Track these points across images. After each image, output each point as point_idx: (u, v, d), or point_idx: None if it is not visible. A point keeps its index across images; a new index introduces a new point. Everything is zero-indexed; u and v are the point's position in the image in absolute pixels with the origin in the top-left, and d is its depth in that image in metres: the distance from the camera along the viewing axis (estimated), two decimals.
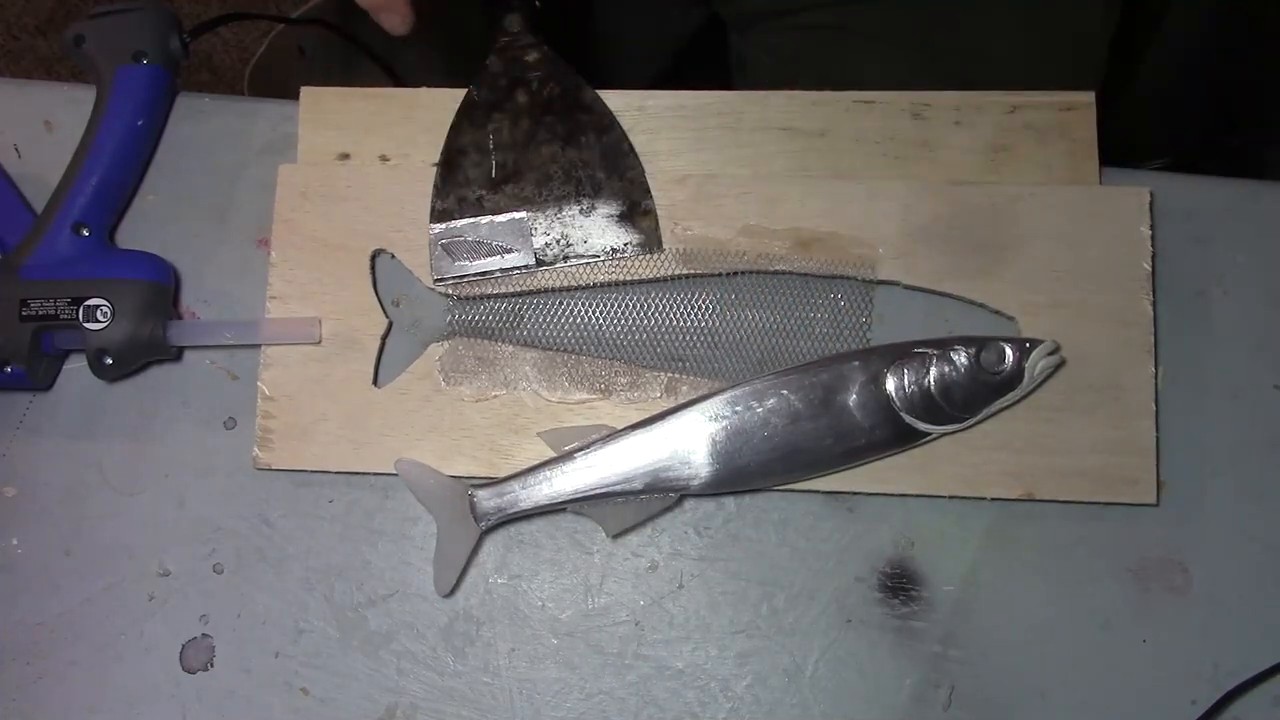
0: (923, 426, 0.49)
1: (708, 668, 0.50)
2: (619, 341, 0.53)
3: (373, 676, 0.51)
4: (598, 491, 0.49)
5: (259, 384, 0.53)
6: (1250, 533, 0.50)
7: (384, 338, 0.53)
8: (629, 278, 0.53)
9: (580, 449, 0.50)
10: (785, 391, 0.49)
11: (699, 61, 0.82)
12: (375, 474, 0.52)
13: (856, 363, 0.49)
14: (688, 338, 0.53)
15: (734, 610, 0.51)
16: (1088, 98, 0.53)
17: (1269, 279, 0.52)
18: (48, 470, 0.54)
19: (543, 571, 0.52)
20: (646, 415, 0.51)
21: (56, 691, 0.52)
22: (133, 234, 0.56)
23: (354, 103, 0.55)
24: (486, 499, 0.50)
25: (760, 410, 0.49)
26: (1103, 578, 0.50)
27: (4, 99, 0.57)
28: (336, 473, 0.52)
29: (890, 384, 0.49)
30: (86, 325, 0.51)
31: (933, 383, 0.48)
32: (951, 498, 0.50)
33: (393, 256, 0.54)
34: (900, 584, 0.51)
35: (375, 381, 0.53)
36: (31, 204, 0.56)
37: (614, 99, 0.54)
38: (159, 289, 0.53)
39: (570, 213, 0.53)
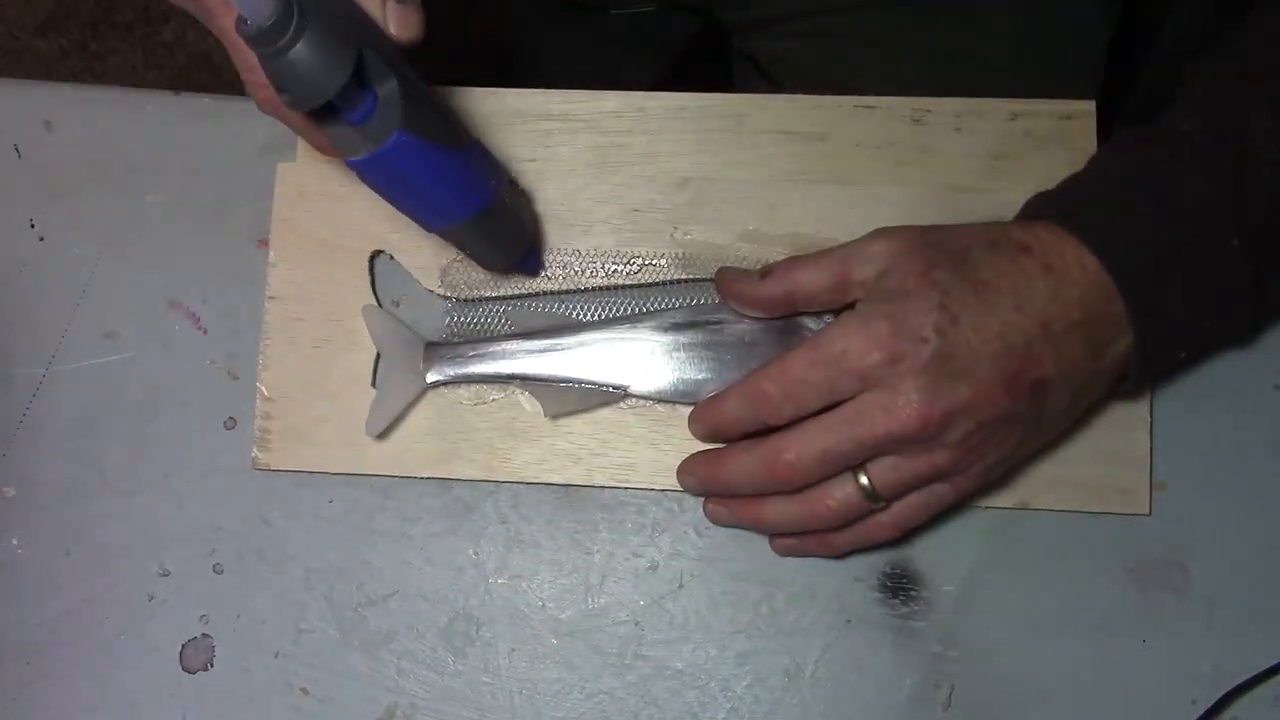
0: None
1: (708, 668, 0.50)
2: None
3: (373, 676, 0.51)
4: (545, 375, 0.51)
5: (258, 385, 0.53)
6: (1250, 533, 0.50)
7: None
8: (628, 282, 0.53)
9: (538, 332, 0.52)
10: (746, 321, 0.51)
11: (700, 67, 0.82)
12: (375, 475, 0.53)
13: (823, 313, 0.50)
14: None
15: (734, 610, 0.51)
16: (1088, 106, 0.53)
17: None
18: (48, 470, 0.54)
19: (543, 571, 0.52)
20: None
21: (56, 691, 0.52)
22: (131, 234, 0.56)
23: None
24: (439, 360, 0.52)
25: (719, 330, 0.51)
26: (1102, 578, 0.50)
27: (4, 99, 0.57)
28: (336, 473, 0.53)
29: None
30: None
31: None
32: None
33: (391, 257, 0.54)
34: (900, 584, 0.51)
35: (374, 383, 0.53)
36: (45, 208, 0.55)
37: (614, 100, 0.54)
38: None
39: None
